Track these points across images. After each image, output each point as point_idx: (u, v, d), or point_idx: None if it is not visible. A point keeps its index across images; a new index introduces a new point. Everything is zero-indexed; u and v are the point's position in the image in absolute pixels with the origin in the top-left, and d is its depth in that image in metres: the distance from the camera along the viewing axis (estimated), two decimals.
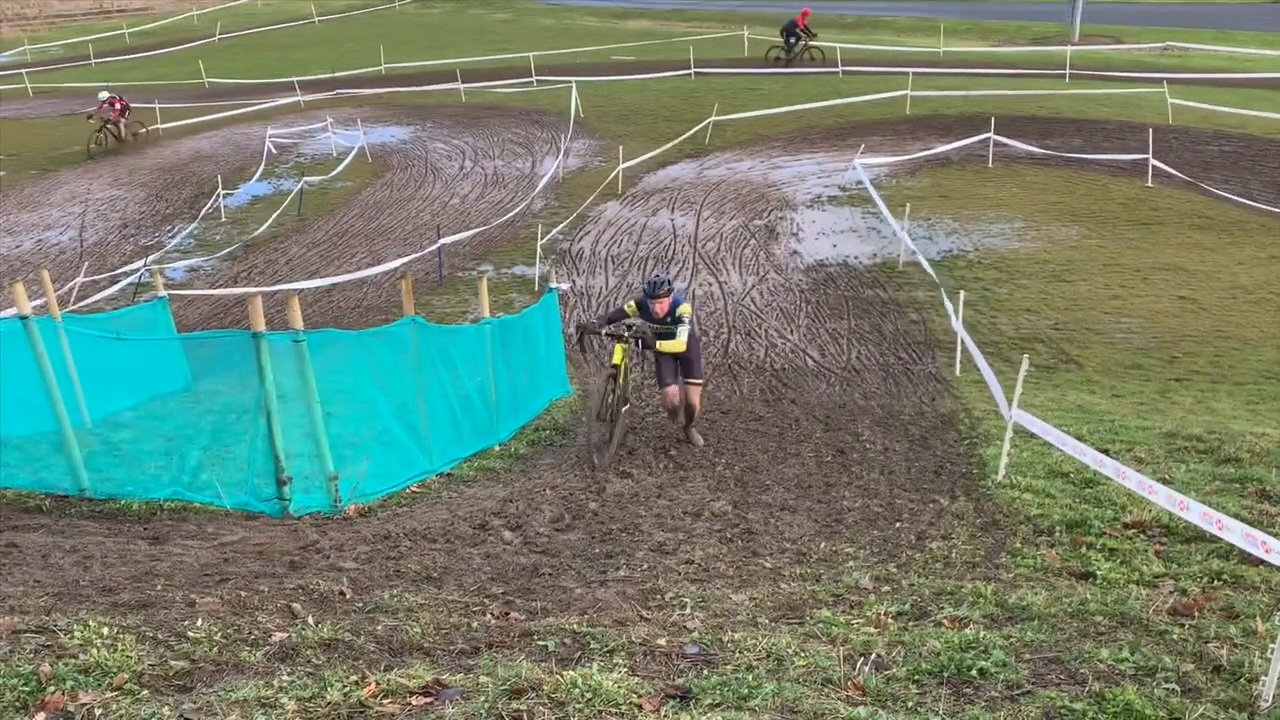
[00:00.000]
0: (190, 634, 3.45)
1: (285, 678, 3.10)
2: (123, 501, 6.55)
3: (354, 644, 3.55)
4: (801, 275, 15.86)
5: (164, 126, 29.77)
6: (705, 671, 3.24)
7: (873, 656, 3.38)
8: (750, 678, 3.09)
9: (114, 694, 2.89)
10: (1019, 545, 5.38)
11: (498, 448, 8.50)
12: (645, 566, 5.02)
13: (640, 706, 2.84)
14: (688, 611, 4.09)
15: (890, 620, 3.91)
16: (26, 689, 2.84)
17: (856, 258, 16.54)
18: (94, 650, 3.16)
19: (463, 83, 31.54)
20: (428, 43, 41.18)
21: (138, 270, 17.55)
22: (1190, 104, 23.11)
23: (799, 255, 16.80)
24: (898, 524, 6.04)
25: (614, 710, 2.81)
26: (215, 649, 3.36)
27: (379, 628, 3.76)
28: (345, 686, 2.96)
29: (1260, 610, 3.95)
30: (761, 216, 18.75)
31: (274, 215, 20.82)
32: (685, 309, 8.38)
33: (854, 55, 32.21)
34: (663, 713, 2.78)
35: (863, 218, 18.37)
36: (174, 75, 39.55)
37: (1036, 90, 26.20)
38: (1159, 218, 17.80)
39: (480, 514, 6.34)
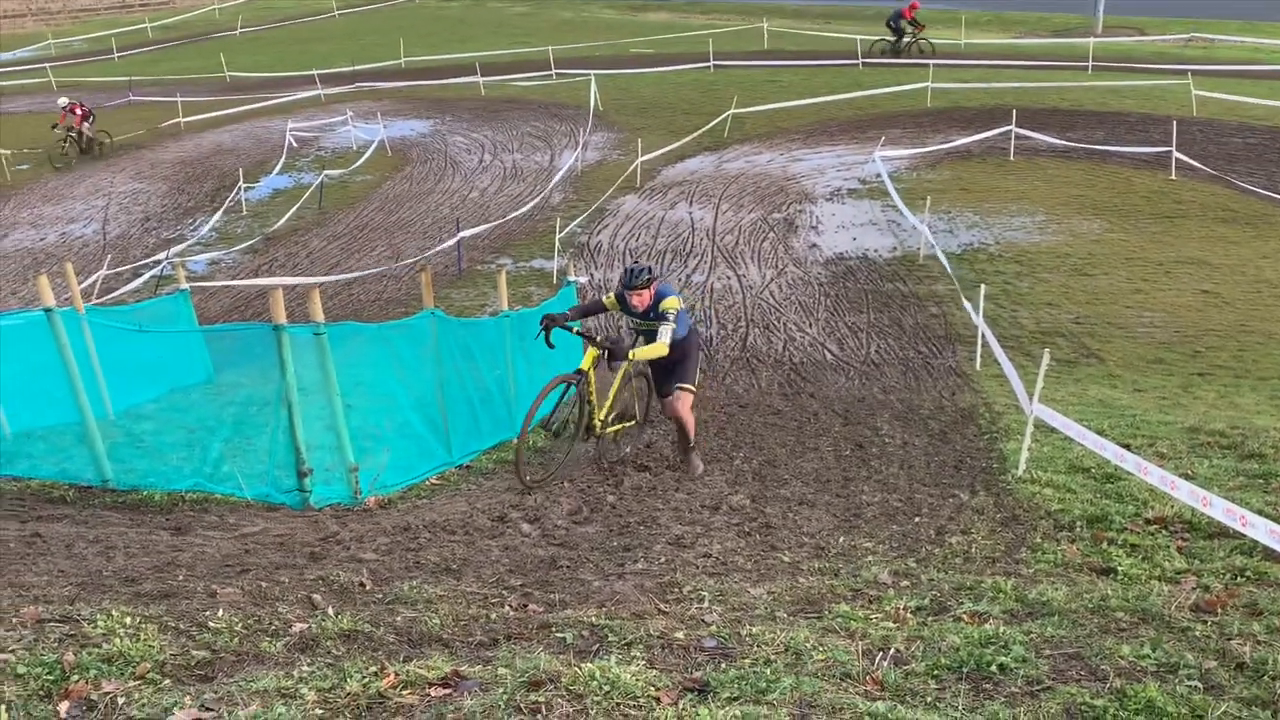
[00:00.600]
0: (211, 624, 3.48)
1: (305, 668, 3.12)
2: (145, 492, 6.61)
3: (373, 635, 3.57)
4: (820, 269, 15.81)
5: (186, 120, 29.95)
6: (723, 665, 3.24)
7: (891, 651, 3.37)
8: (768, 671, 3.09)
9: (136, 683, 2.92)
10: (1039, 540, 5.35)
11: (516, 440, 8.51)
12: (663, 560, 5.02)
13: (658, 699, 2.84)
14: (705, 605, 4.09)
15: (909, 615, 3.90)
16: (51, 678, 2.87)
17: (876, 251, 16.47)
18: (117, 640, 3.19)
19: (482, 76, 31.57)
20: (447, 36, 41.26)
21: (160, 263, 17.69)
22: (1215, 96, 22.88)
23: (818, 248, 16.74)
24: (917, 519, 6.02)
25: (632, 703, 2.81)
26: (236, 639, 3.39)
27: (398, 619, 3.77)
28: (364, 677, 2.98)
29: None
30: (780, 210, 18.69)
31: (294, 208, 20.93)
32: (672, 304, 7.20)
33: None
34: (680, 706, 2.78)
35: (883, 211, 18.28)
36: (196, 69, 39.76)
37: (1059, 82, 25.99)
38: (1182, 211, 17.64)
39: (499, 506, 6.36)
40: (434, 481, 7.26)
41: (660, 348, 7.11)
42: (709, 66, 31.46)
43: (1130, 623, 3.77)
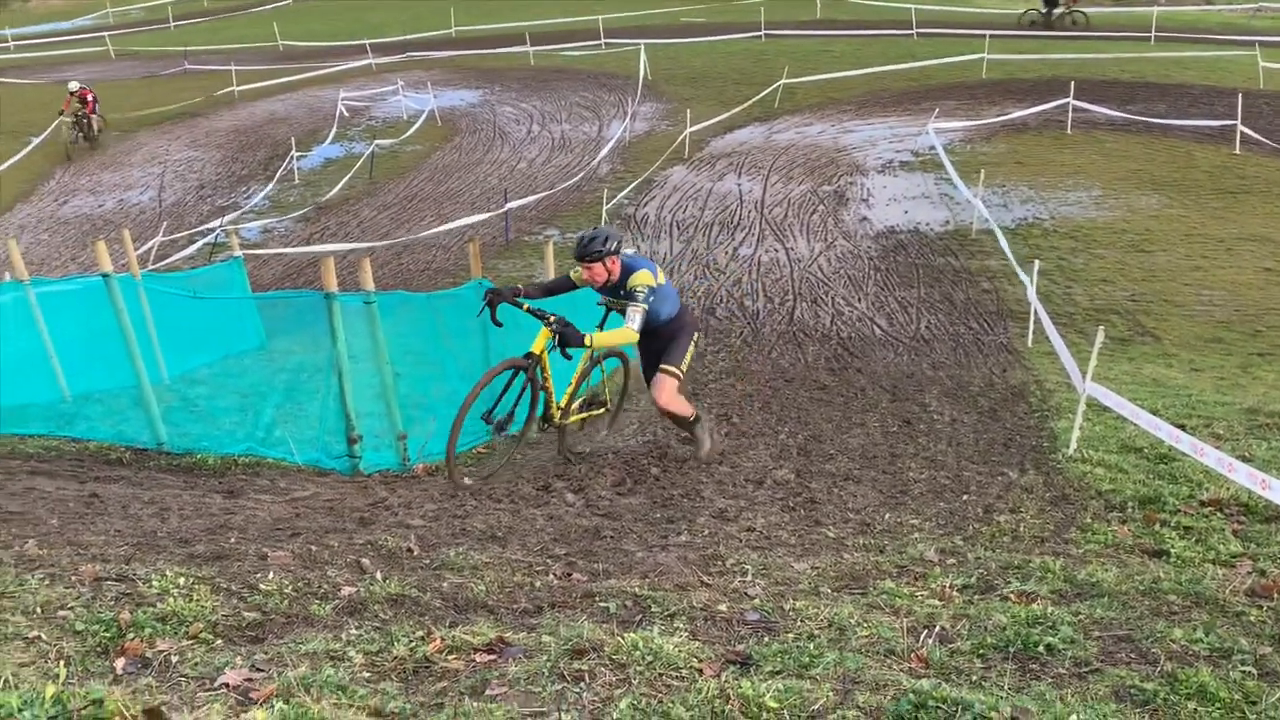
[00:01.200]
0: (262, 586, 3.54)
1: (353, 631, 3.17)
2: (199, 456, 6.74)
3: (420, 600, 3.61)
4: (870, 242, 15.63)
5: (239, 89, 30.26)
6: (766, 639, 3.24)
7: (937, 629, 3.34)
8: (811, 646, 3.08)
9: (189, 642, 2.98)
10: (1089, 521, 5.27)
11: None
12: (706, 532, 5.02)
13: (700, 671, 2.85)
14: (749, 578, 4.08)
15: (955, 593, 3.86)
16: (108, 635, 2.95)
17: (928, 225, 16.24)
18: (171, 599, 3.27)
19: (531, 46, 31.50)
20: (498, 4, 41.13)
21: (214, 230, 17.96)
22: None
23: (868, 222, 16.55)
24: (965, 496, 5.95)
25: (674, 673, 2.82)
26: (286, 601, 3.45)
27: (445, 585, 3.82)
28: (411, 641, 3.02)
29: None
30: (831, 182, 18.49)
31: (346, 178, 21.11)
32: (642, 279, 6.09)
33: (929, 17, 31.48)
34: (723, 678, 2.78)
35: (935, 184, 18.01)
36: (250, 37, 40.12)
37: (1119, 54, 25.35)
38: (1245, 186, 17.17)
39: (543, 475, 6.40)
40: (480, 450, 7.32)
41: (625, 334, 6.14)
42: (760, 35, 31.12)
43: (1183, 606, 3.70)
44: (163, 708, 2.34)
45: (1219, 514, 5.28)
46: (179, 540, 4.37)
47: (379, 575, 3.90)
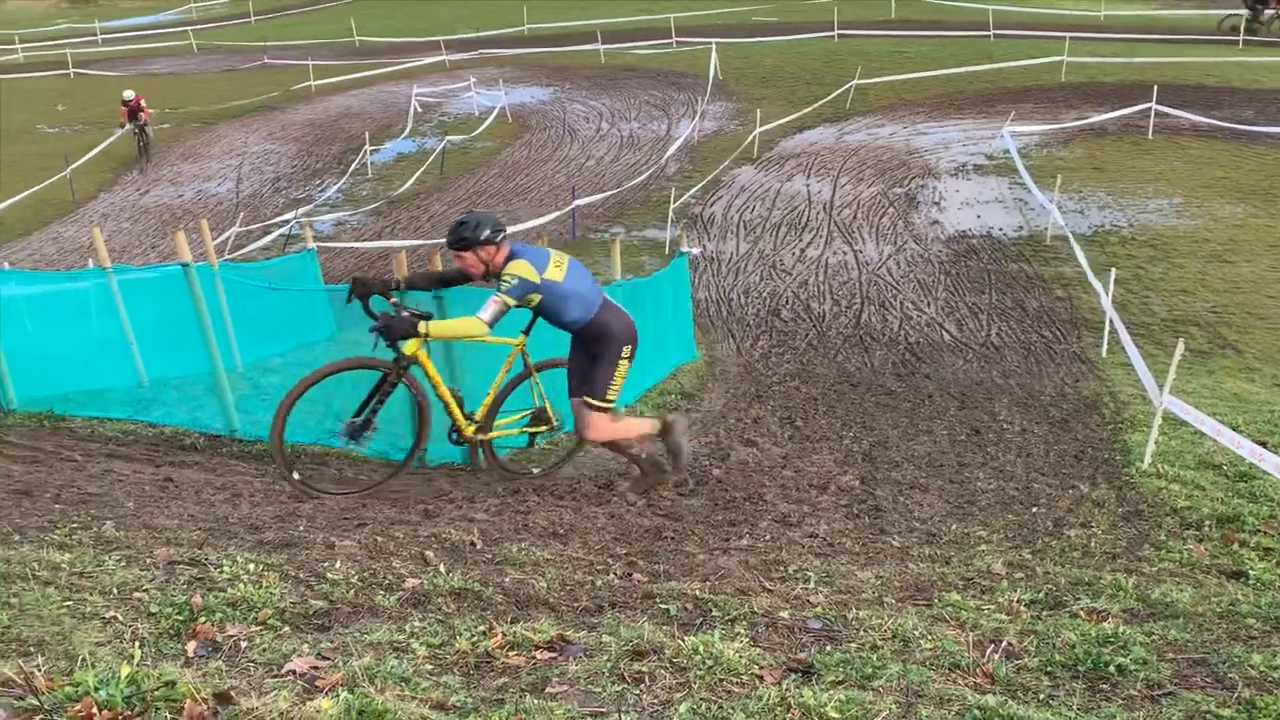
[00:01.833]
0: (329, 575, 3.60)
1: (417, 623, 3.21)
2: (269, 443, 6.86)
3: (482, 594, 3.64)
4: (941, 246, 15.40)
5: (316, 83, 30.82)
6: (828, 648, 3.20)
7: (1003, 644, 3.27)
8: (874, 657, 3.04)
9: (258, 628, 3.04)
10: (1164, 538, 5.12)
11: (624, 409, 8.56)
12: (768, 537, 4.99)
13: (761, 678, 2.82)
14: (811, 586, 4.04)
15: (1023, 608, 3.78)
16: (180, 618, 3.01)
17: (1001, 230, 15.95)
18: (241, 585, 3.33)
19: (602, 44, 31.60)
20: (569, 3, 41.35)
21: (289, 222, 18.33)
22: None
23: (940, 225, 16.30)
24: (1034, 509, 5.83)
25: (735, 679, 2.80)
26: (352, 591, 3.50)
27: (507, 580, 3.84)
28: (473, 636, 3.04)
29: None
30: (902, 184, 18.25)
31: (417, 173, 21.39)
32: (514, 268, 5.29)
33: (1007, 19, 30.89)
34: (784, 686, 2.75)
35: (1009, 188, 17.68)
36: (327, 33, 40.87)
37: (1205, 58, 24.62)
38: None
39: (605, 474, 6.41)
40: (545, 446, 7.35)
41: (468, 323, 5.28)
42: (833, 35, 30.82)
43: (1262, 630, 3.58)
44: (232, 692, 2.39)
45: None
46: (249, 526, 4.46)
47: (442, 568, 3.94)
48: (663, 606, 3.55)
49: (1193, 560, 4.75)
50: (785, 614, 3.54)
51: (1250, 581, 4.42)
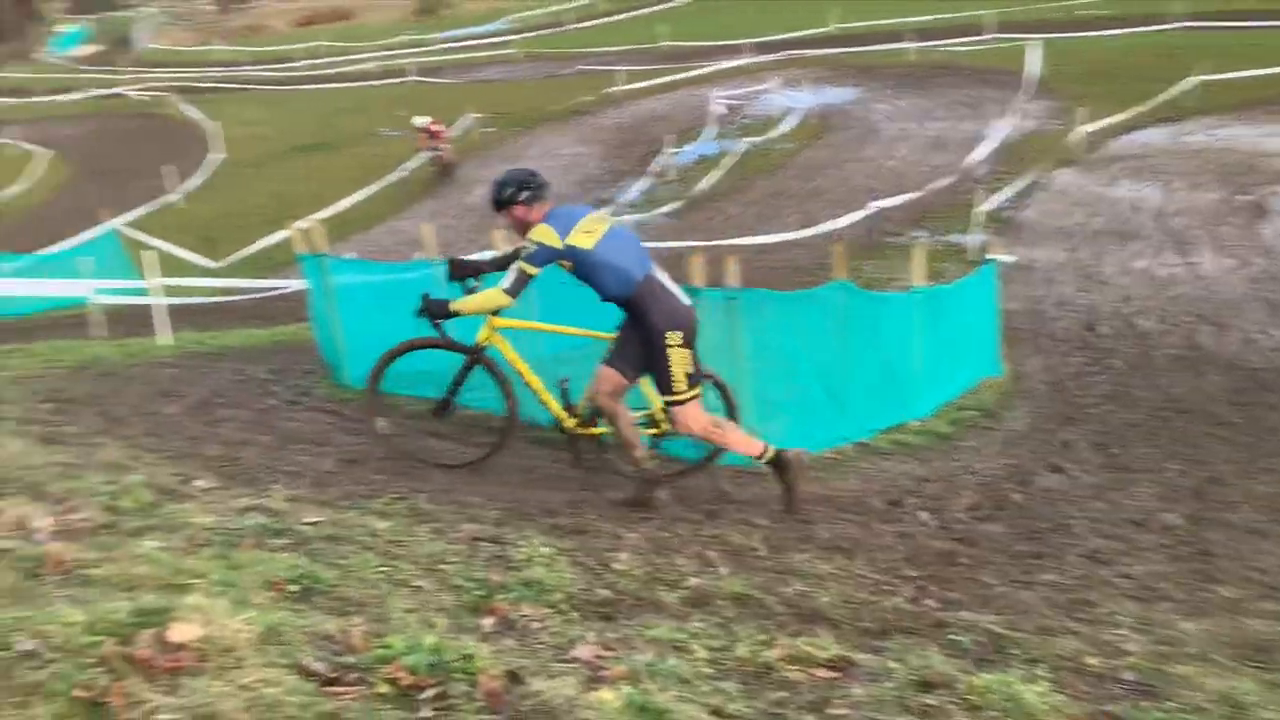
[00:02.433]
0: (615, 566, 3.68)
1: (697, 624, 3.20)
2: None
3: (763, 602, 3.58)
4: None
5: (625, 88, 32.06)
6: (1144, 704, 2.87)
7: None
8: None
9: (549, 611, 3.14)
10: None
11: (917, 423, 8.20)
12: (1077, 573, 4.58)
13: None
14: (1124, 632, 3.66)
15: None
16: (480, 594, 3.18)
17: None
18: (535, 567, 3.47)
19: (912, 42, 30.65)
20: (881, 2, 40.43)
21: None
22: None
23: None
24: None
25: None
26: (636, 584, 3.55)
27: (789, 590, 3.76)
28: (753, 644, 2.98)
29: None
30: (1248, 191, 16.31)
31: (716, 174, 21.71)
32: (535, 234, 5.01)
33: None
34: None
35: None
36: (637, 39, 42.40)
37: None
38: None
39: (895, 490, 6.17)
40: (829, 455, 7.19)
41: (490, 296, 5.12)
42: (1172, 28, 28.12)
43: None
44: (522, 672, 2.47)
45: None
46: (544, 510, 4.66)
47: (724, 571, 3.92)
48: (954, 637, 3.33)
49: None
50: (1094, 660, 3.21)
51: None
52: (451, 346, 5.64)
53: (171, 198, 26.51)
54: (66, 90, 44.07)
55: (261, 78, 44.88)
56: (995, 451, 7.40)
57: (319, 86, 41.74)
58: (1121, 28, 29.26)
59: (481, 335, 5.57)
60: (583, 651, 2.78)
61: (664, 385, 5.15)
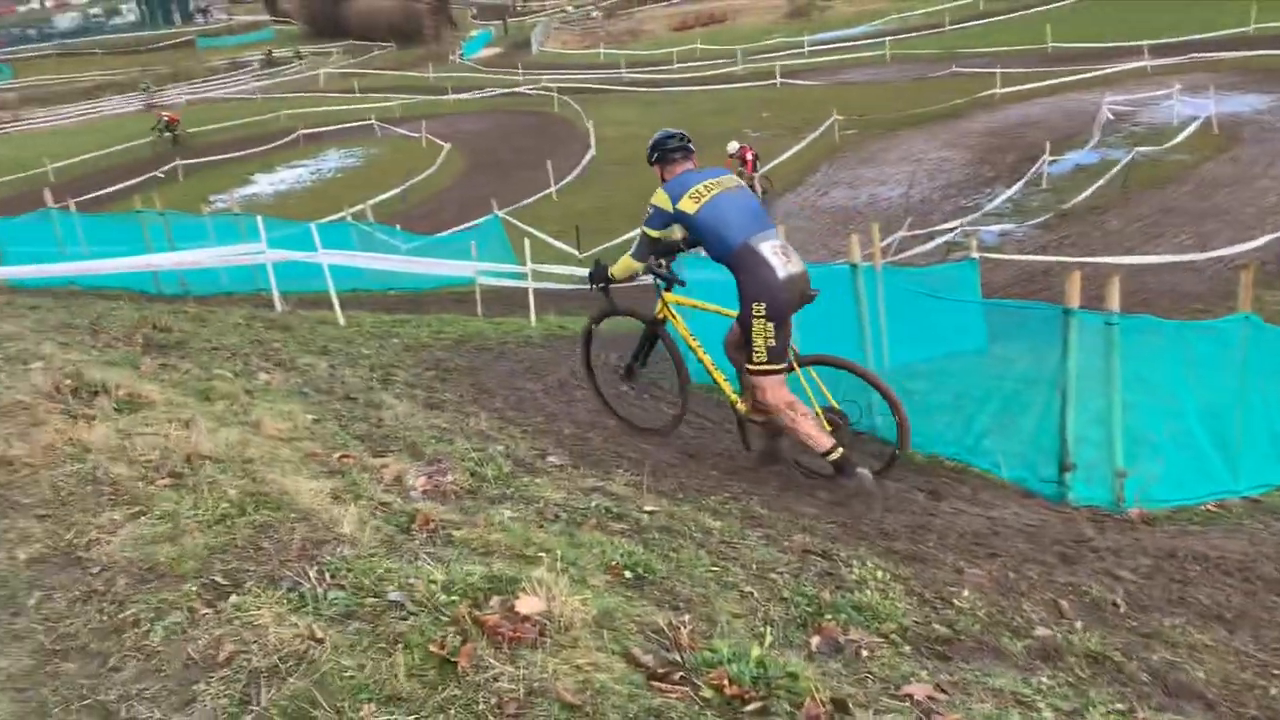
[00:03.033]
0: (955, 602, 3.43)
1: (1045, 680, 2.90)
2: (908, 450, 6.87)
3: (1124, 667, 3.19)
4: None
5: (1000, 91, 30.45)
6: None
7: None
8: None
9: (879, 640, 2.98)
10: None
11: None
12: None
13: None
14: None
15: None
16: (809, 610, 3.07)
17: None
18: (868, 591, 3.31)
19: None
20: None
21: (953, 230, 18.38)
22: None
23: None
24: None
25: None
26: (977, 625, 3.29)
27: (1154, 657, 3.34)
28: (1111, 713, 2.66)
29: None
30: None
31: (1095, 186, 20.04)
32: (654, 199, 5.27)
33: None
34: None
35: None
36: (1018, 40, 40.13)
37: None
38: None
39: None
40: (1210, 508, 6.35)
41: (623, 263, 5.51)
42: None
43: None
44: (849, 701, 2.35)
45: None
46: (881, 531, 4.47)
47: (1079, 624, 3.54)
48: None
49: None
50: None
51: None
52: (634, 315, 5.92)
53: (549, 190, 28.66)
54: (470, 89, 49.03)
55: (636, 79, 47.36)
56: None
57: (689, 88, 43.34)
58: None
59: (657, 309, 5.76)
60: (916, 690, 2.60)
61: (747, 352, 5.15)
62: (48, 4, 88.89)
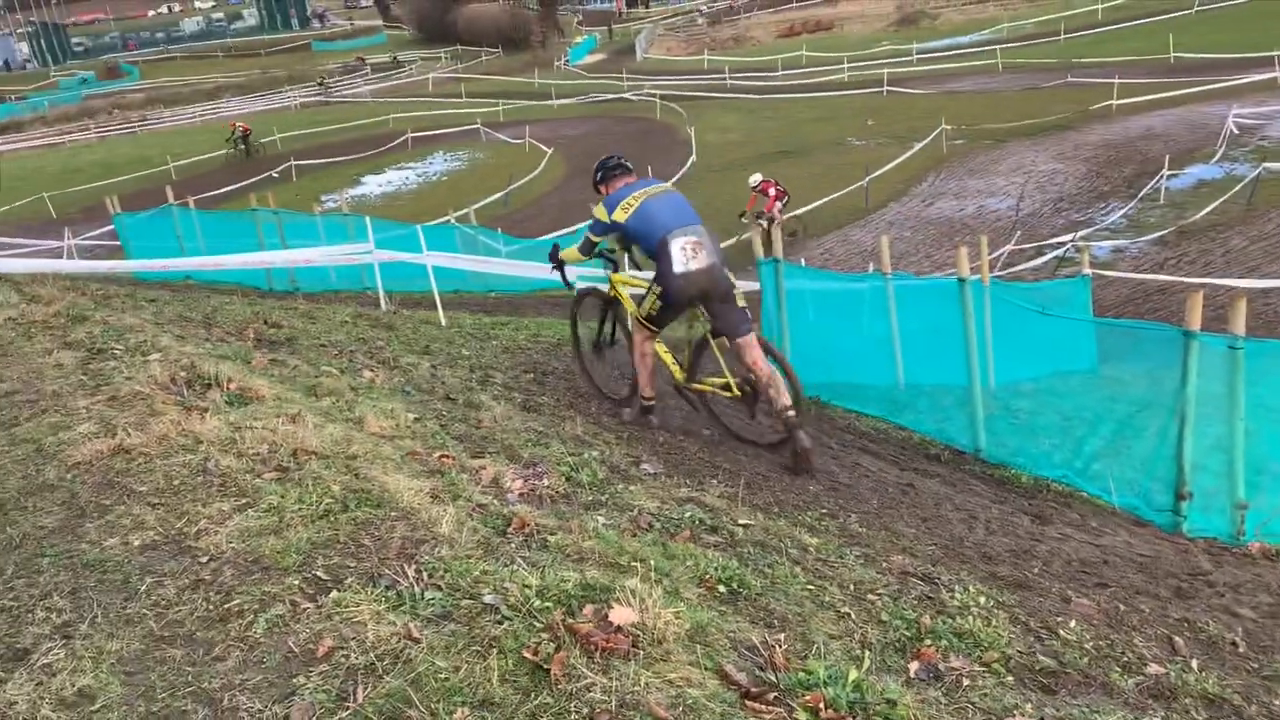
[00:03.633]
0: (1062, 633, 3.29)
1: None
2: (1012, 470, 6.67)
3: (1242, 711, 3.02)
4: None
5: (1118, 102, 29.43)
6: None
7: None
8: None
9: (981, 669, 2.87)
10: None
11: None
12: None
13: None
14: None
15: None
16: (908, 634, 2.98)
17: None
18: (970, 617, 3.20)
19: None
20: None
21: (1065, 245, 17.79)
22: None
23: None
24: None
25: None
26: (1085, 658, 3.15)
27: (1276, 703, 3.14)
28: None
29: None
30: None
31: (1218, 202, 19.17)
32: (595, 211, 6.13)
33: None
34: None
35: None
36: (1138, 50, 38.75)
37: None
38: None
39: None
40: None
41: (571, 252, 6.55)
42: None
43: None
44: None
45: None
46: (983, 555, 4.33)
47: (1194, 663, 3.36)
48: None
49: None
50: None
51: None
52: (595, 294, 6.98)
53: None
54: (574, 95, 49.55)
55: (739, 86, 47.19)
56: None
57: (792, 96, 43.00)
58: None
59: (608, 289, 6.73)
60: None
61: (641, 303, 6.02)
62: (176, 8, 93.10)
